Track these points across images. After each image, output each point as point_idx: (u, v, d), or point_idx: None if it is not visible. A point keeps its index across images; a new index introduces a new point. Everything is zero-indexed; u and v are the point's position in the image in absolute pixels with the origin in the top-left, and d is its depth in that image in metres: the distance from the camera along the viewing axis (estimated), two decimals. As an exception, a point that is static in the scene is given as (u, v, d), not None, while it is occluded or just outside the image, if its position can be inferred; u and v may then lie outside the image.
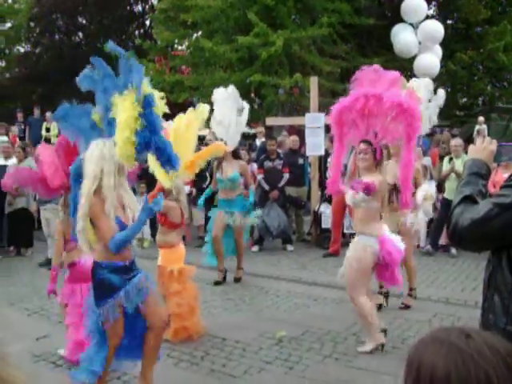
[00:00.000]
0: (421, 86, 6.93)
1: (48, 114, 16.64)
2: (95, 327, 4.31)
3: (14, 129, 15.77)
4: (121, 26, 27.40)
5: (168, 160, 4.09)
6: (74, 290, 5.48)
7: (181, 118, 5.73)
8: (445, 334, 1.25)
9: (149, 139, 3.95)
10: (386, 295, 6.96)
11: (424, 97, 6.84)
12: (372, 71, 5.82)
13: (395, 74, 5.84)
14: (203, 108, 5.82)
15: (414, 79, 7.28)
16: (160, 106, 4.09)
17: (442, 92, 7.35)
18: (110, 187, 4.08)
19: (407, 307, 6.90)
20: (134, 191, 8.61)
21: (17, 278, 8.69)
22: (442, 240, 10.20)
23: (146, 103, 3.96)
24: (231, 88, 8.33)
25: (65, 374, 5.12)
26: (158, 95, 4.11)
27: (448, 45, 16.23)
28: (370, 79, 5.72)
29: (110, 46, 4.10)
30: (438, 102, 7.33)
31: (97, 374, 4.28)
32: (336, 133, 5.87)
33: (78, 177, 4.33)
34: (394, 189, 6.41)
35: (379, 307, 6.67)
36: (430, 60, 13.98)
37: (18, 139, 14.24)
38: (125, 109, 3.92)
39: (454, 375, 1.17)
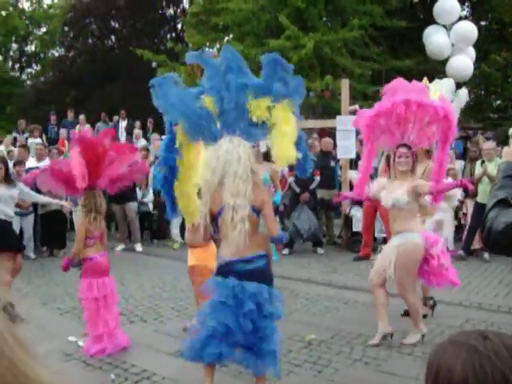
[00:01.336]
0: (443, 87, 6.81)
1: (81, 117, 16.85)
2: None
3: (63, 132, 15.87)
4: (153, 30, 27.68)
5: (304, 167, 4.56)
6: (90, 284, 5.73)
7: None
8: (463, 337, 1.25)
9: (306, 152, 4.45)
10: (433, 306, 6.82)
11: (446, 97, 6.75)
12: (403, 80, 6.02)
13: (423, 85, 6.16)
14: None
15: (436, 80, 7.11)
16: None
17: (464, 92, 7.06)
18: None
19: (423, 316, 6.73)
20: None
21: (49, 278, 8.81)
22: (475, 245, 10.06)
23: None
24: None
25: (95, 373, 5.18)
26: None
27: (481, 46, 16.02)
28: (404, 87, 5.79)
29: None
30: (460, 103, 7.09)
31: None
32: (367, 136, 5.89)
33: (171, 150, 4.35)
34: None
35: (423, 316, 6.61)
36: (463, 62, 13.76)
37: (66, 142, 14.32)
38: (288, 120, 4.18)
39: (472, 377, 1.17)
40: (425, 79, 6.63)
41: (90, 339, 5.73)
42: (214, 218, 4.19)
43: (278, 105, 4.14)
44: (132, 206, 11.27)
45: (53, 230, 10.53)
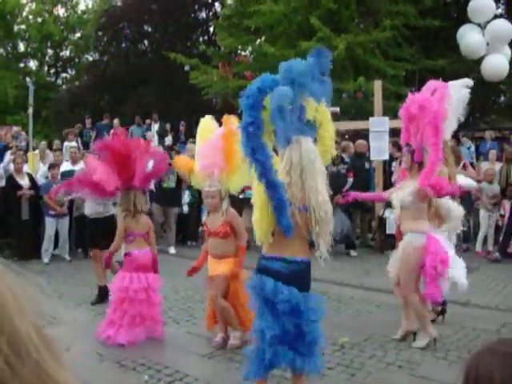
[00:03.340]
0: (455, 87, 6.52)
1: (115, 121, 17.04)
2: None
3: (150, 135, 15.87)
4: (185, 33, 27.86)
5: None
6: (123, 276, 6.03)
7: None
8: (502, 346, 1.23)
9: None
10: (441, 312, 6.64)
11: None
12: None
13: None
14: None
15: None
16: None
17: (465, 90, 6.61)
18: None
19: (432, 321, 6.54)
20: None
21: (84, 279, 8.90)
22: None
23: None
24: None
25: (129, 374, 5.23)
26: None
27: (518, 45, 15.72)
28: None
29: None
30: (461, 99, 6.54)
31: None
32: (403, 140, 6.18)
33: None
34: None
35: (432, 321, 6.50)
36: (499, 61, 13.54)
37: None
38: (330, 120, 4.37)
39: None
40: None
41: (105, 323, 5.98)
42: None
43: (321, 104, 4.19)
44: (174, 211, 11.45)
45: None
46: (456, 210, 6.24)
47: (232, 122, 5.54)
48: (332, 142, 4.43)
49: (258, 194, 4.00)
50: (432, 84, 6.05)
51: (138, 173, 6.02)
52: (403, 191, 5.75)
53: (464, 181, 9.18)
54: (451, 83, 6.19)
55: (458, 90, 6.12)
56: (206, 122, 6.00)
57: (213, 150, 5.65)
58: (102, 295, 7.47)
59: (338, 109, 11.63)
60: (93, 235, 7.98)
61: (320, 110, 4.20)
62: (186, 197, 11.84)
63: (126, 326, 5.93)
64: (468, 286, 6.47)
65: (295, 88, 3.93)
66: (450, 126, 6.10)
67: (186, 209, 11.86)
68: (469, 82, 6.30)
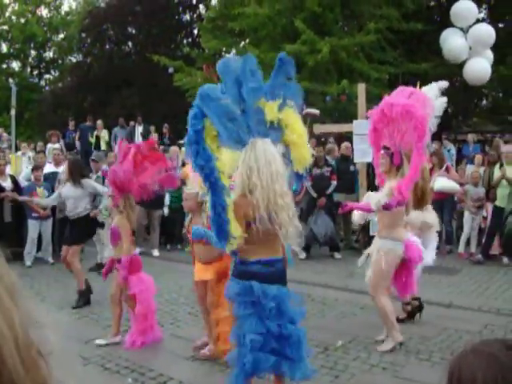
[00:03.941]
0: (430, 92, 6.50)
1: (99, 122, 16.94)
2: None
3: (154, 137, 15.60)
4: (169, 35, 27.80)
5: None
6: (139, 278, 6.03)
7: None
8: (485, 346, 1.23)
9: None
10: (417, 310, 6.69)
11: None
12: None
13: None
14: None
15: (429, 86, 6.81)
16: None
17: (441, 100, 6.49)
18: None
19: (402, 321, 6.54)
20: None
21: (67, 282, 8.82)
22: (494, 249, 9.96)
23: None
24: None
25: (113, 377, 5.20)
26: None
27: (499, 49, 15.88)
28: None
29: None
30: (436, 111, 6.41)
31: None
32: (372, 141, 6.09)
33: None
34: None
35: (402, 321, 6.54)
36: (481, 65, 13.68)
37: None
38: (299, 122, 4.27)
39: None
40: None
41: (135, 333, 5.99)
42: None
43: (286, 107, 4.16)
44: (158, 213, 11.43)
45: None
46: (412, 220, 6.37)
47: None
48: (304, 142, 4.30)
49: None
50: (404, 89, 6.06)
51: (137, 180, 6.04)
52: (380, 193, 5.78)
53: (447, 183, 9.27)
54: (427, 88, 6.24)
55: (435, 96, 6.18)
56: None
57: None
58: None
59: (317, 111, 11.65)
60: (83, 233, 8.30)
61: (285, 113, 4.14)
62: (167, 199, 11.76)
63: (153, 324, 6.15)
64: (451, 288, 6.56)
65: (240, 84, 3.97)
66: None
67: (166, 211, 11.77)
68: (445, 84, 6.34)
